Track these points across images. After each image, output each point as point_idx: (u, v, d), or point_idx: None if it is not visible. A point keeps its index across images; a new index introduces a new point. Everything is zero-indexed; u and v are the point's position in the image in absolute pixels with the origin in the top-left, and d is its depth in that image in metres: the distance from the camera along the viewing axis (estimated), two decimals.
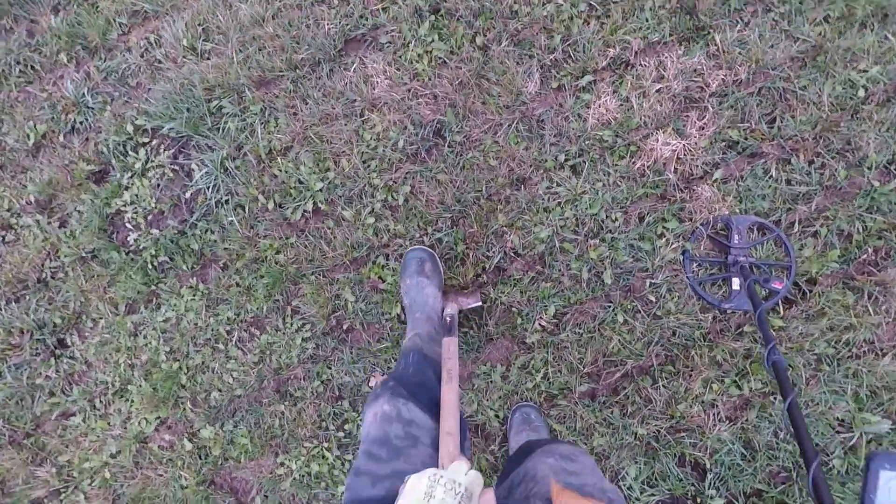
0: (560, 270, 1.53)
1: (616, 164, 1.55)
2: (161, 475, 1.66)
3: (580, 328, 1.52)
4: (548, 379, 1.53)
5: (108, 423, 1.69)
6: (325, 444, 1.58)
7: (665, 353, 1.51)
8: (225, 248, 1.64)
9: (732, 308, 1.47)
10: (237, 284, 1.65)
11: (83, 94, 1.77)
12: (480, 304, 1.51)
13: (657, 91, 1.55)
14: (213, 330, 1.65)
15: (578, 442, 1.51)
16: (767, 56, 1.52)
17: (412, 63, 1.64)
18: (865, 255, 1.48)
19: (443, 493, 0.65)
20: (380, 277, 1.59)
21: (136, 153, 1.70)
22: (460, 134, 1.60)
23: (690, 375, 1.49)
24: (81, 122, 1.78)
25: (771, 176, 1.51)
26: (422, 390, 0.91)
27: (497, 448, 1.55)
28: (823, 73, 1.51)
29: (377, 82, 1.64)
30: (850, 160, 1.49)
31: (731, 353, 1.48)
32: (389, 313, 1.58)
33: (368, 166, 1.61)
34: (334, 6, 1.68)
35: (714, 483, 1.45)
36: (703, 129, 1.54)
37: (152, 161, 1.69)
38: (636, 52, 1.57)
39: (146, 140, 1.72)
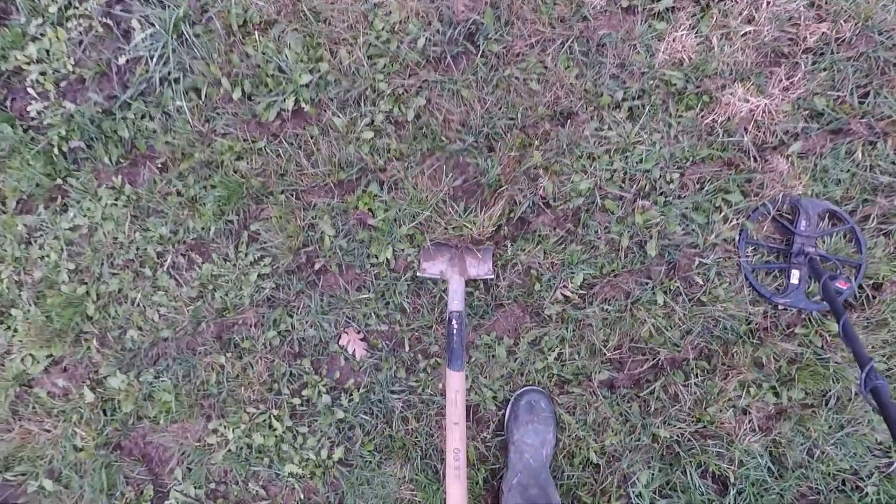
0: (596, 232, 1.25)
1: (681, 115, 1.26)
2: (48, 430, 1.27)
3: (609, 304, 1.25)
4: (562, 361, 1.26)
5: None
6: (275, 412, 1.24)
7: (703, 347, 1.27)
8: (166, 143, 1.23)
9: (787, 305, 1.24)
10: (178, 193, 1.24)
11: None
12: (492, 276, 1.21)
13: (744, 35, 1.27)
14: (138, 249, 1.25)
15: (587, 438, 1.25)
16: (877, 16, 1.26)
17: None
18: None
19: None
20: (370, 210, 1.24)
21: None
22: (499, 43, 1.25)
23: (727, 375, 1.26)
24: None
25: (853, 159, 1.27)
26: None
27: (490, 436, 1.27)
28: None
29: None
30: None
31: (776, 355, 1.26)
32: (377, 258, 1.24)
33: (375, 64, 1.23)
34: None
35: (736, 499, 1.25)
36: (789, 90, 1.28)
37: (76, 7, 1.23)
38: None
39: None
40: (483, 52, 1.26)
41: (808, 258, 1.23)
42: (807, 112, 1.28)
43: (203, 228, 1.24)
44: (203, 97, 1.23)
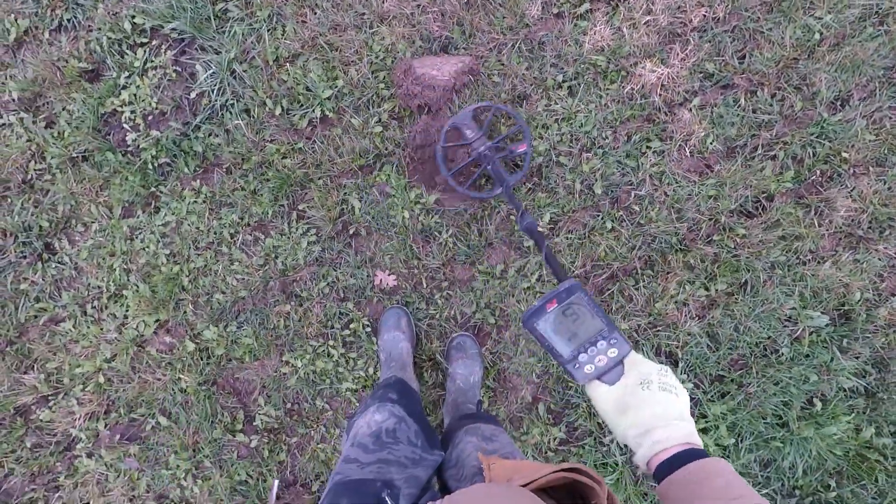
0: (555, 181, 1.67)
1: (608, 88, 1.69)
2: (159, 378, 1.66)
3: (572, 234, 1.67)
4: (541, 280, 1.67)
5: (101, 329, 1.66)
6: (331, 343, 1.64)
7: (646, 258, 1.68)
8: (230, 152, 1.65)
9: (497, 194, 1.58)
10: (242, 188, 1.66)
11: None
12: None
13: (645, 23, 1.70)
14: (216, 233, 1.66)
15: None
16: None
17: None
18: (814, 177, 1.71)
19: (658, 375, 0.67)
20: (387, 181, 1.66)
21: (135, 52, 1.66)
22: (466, 51, 1.69)
23: (667, 278, 1.67)
24: (69, 20, 1.71)
25: (740, 105, 1.70)
26: (406, 397, 1.06)
27: (492, 346, 1.67)
28: (787, 17, 1.72)
29: None
30: (805, 94, 1.70)
31: (702, 258, 1.67)
32: (394, 216, 1.66)
33: (377, 77, 1.66)
34: None
35: (684, 370, 1.64)
36: (685, 60, 1.71)
37: (152, 61, 1.66)
38: None
39: (145, 40, 1.68)
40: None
41: (487, 156, 1.49)
42: (701, 74, 1.71)
43: (263, 212, 1.66)
44: (253, 115, 1.65)
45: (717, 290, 1.67)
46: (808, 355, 1.64)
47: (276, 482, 1.53)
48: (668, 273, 1.67)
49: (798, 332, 1.65)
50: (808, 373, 1.63)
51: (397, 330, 1.57)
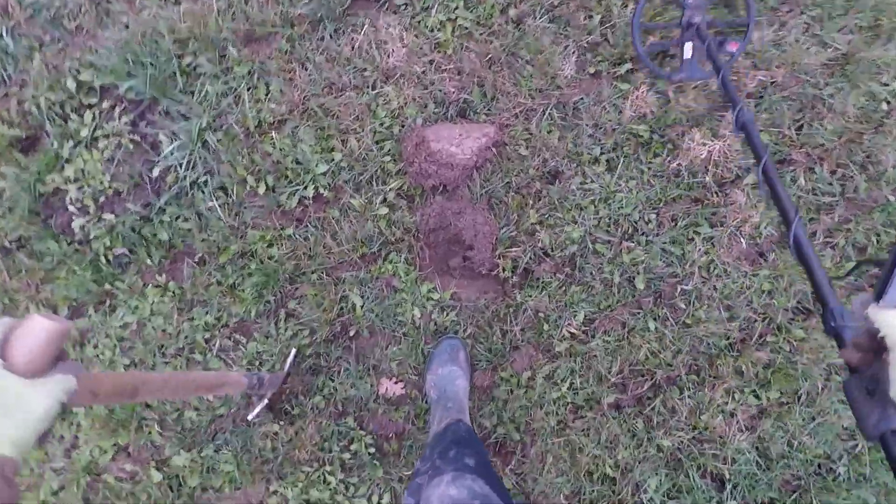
0: (591, 274, 1.43)
1: (650, 161, 1.46)
2: None
3: (609, 335, 1.44)
4: (574, 389, 1.44)
5: (46, 454, 1.37)
6: (328, 468, 1.39)
7: (691, 363, 1.47)
8: (203, 240, 1.36)
9: (683, 79, 1.37)
10: (218, 283, 1.38)
11: None
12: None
13: (694, 87, 1.47)
14: (186, 337, 1.37)
15: (603, 455, 1.44)
16: (802, 59, 1.48)
17: (433, 31, 1.43)
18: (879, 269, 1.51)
19: None
20: (393, 274, 1.40)
21: (81, 117, 1.35)
22: (488, 117, 1.42)
23: (714, 385, 1.46)
24: None
25: (798, 184, 1.49)
26: (485, 465, 0.87)
27: (517, 465, 1.44)
28: (850, 83, 1.50)
29: (392, 50, 1.41)
30: (871, 173, 1.50)
31: (753, 363, 1.46)
32: (403, 315, 1.40)
33: (382, 148, 1.39)
34: None
35: (732, 493, 1.45)
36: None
37: (103, 128, 1.35)
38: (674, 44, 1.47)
39: (94, 101, 1.36)
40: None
41: (696, 28, 1.31)
42: None
43: (245, 312, 1.38)
44: (231, 195, 1.36)
45: (769, 398, 1.47)
46: (866, 476, 1.46)
47: None
48: (715, 380, 1.47)
49: (857, 449, 1.46)
50: (867, 495, 1.45)
51: (453, 364, 1.32)
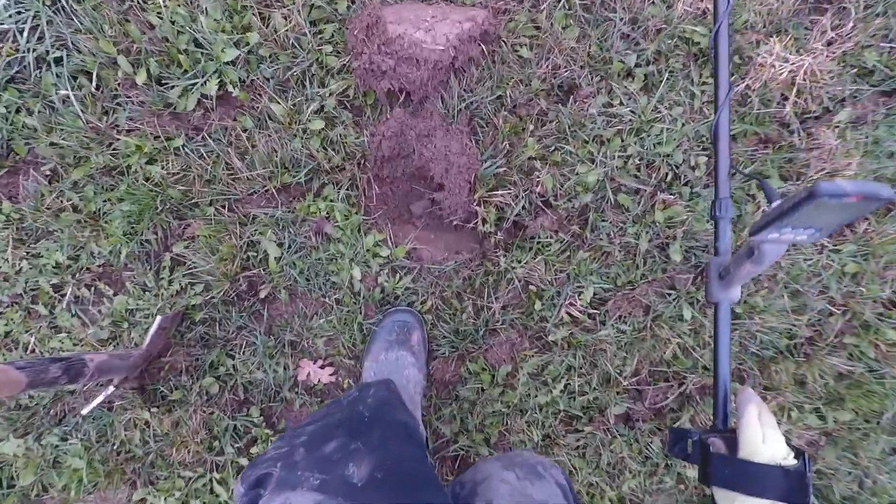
0: (609, 235, 1.01)
1: (706, 81, 1.02)
2: None
3: (625, 323, 1.03)
4: (569, 393, 1.04)
5: None
6: (217, 475, 1.00)
7: (735, 367, 1.06)
8: (52, 144, 0.95)
9: None
10: (74, 208, 0.97)
11: None
12: None
13: None
14: (27, 281, 0.98)
15: (601, 483, 1.05)
16: None
17: None
18: None
19: None
20: (327, 216, 0.99)
21: None
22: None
23: (765, 398, 1.06)
24: None
25: None
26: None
27: None
28: None
29: None
30: None
31: (822, 371, 1.05)
32: (337, 274, 0.99)
33: (321, 32, 0.96)
34: None
35: None
36: (834, 43, 1.03)
37: None
38: None
39: None
40: None
41: None
42: (854, 71, 1.04)
43: (111, 252, 0.97)
44: (97, 83, 0.94)
45: (836, 420, 1.06)
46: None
47: None
48: (767, 391, 1.06)
49: None
50: None
51: (403, 348, 0.95)
